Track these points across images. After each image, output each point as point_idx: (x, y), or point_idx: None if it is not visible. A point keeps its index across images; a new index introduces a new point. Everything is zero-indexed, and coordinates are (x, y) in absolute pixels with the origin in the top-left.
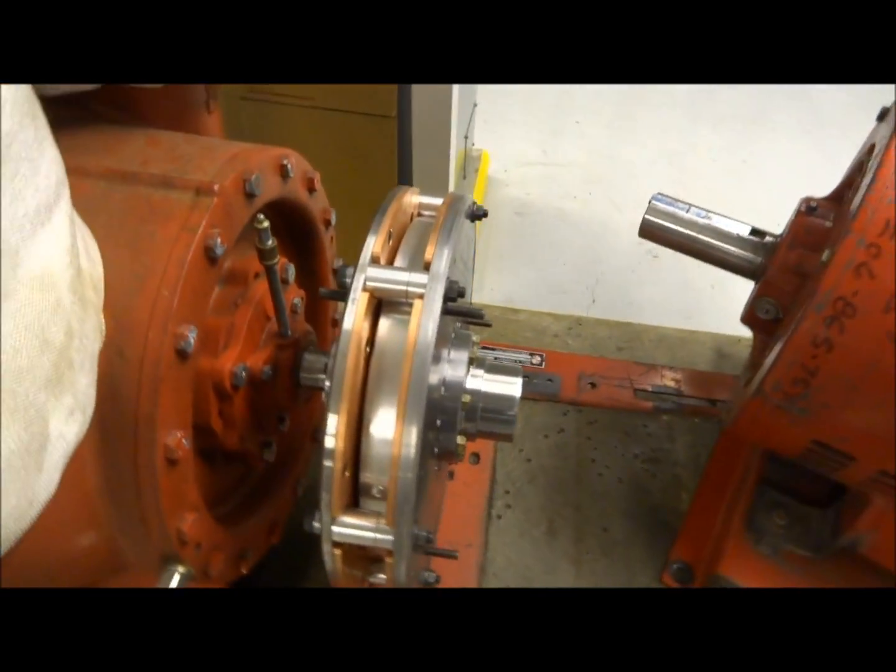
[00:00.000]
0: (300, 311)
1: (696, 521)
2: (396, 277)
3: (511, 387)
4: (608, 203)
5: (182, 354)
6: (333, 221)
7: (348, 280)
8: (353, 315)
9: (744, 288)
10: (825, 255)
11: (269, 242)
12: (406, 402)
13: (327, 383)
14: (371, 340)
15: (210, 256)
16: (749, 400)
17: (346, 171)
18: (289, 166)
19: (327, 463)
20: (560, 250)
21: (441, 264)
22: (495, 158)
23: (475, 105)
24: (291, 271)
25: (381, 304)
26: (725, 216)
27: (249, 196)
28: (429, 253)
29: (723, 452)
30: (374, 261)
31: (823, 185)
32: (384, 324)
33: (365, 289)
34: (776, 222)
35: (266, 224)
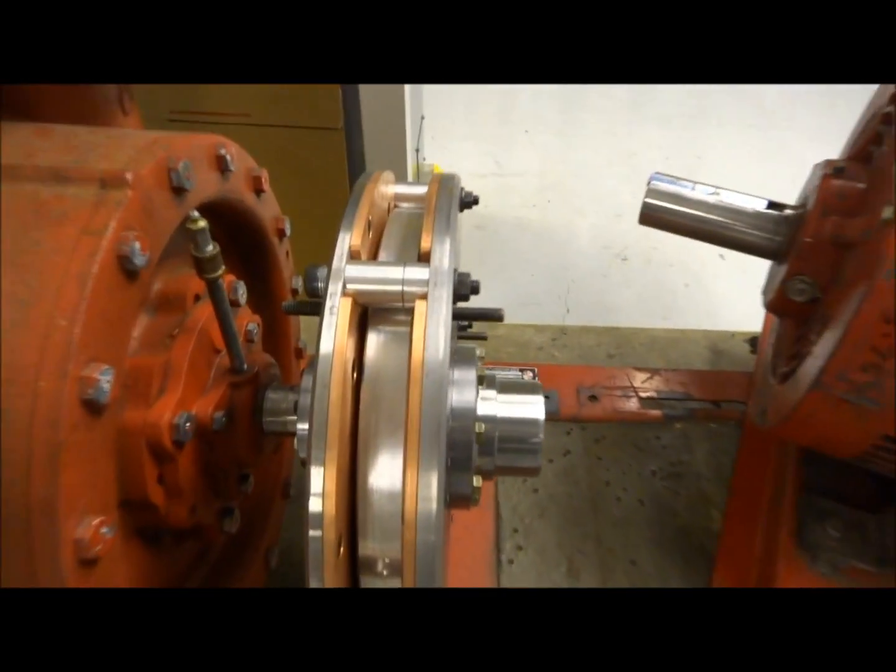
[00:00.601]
0: (257, 339)
1: (732, 542)
2: (387, 275)
3: (532, 407)
4: (568, 208)
5: (93, 407)
6: (288, 232)
7: (320, 284)
8: (333, 329)
9: (719, 284)
10: (887, 213)
11: (209, 248)
12: (419, 441)
13: (301, 426)
14: (358, 364)
15: (127, 269)
16: (804, 395)
17: (292, 191)
18: (228, 158)
19: (314, 533)
20: (526, 261)
21: (444, 255)
22: (446, 170)
23: (422, 118)
24: (242, 290)
25: (366, 315)
26: (736, 191)
27: (178, 191)
28: (425, 241)
29: (748, 460)
30: (354, 256)
31: (781, 173)
32: (374, 339)
33: (345, 293)
34: None
35: (203, 224)
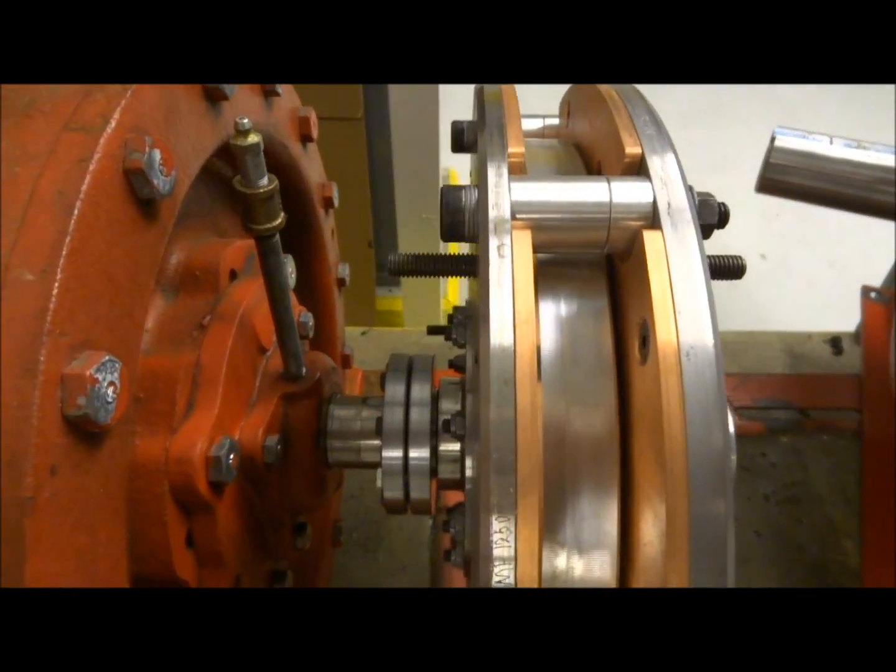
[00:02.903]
0: (310, 333)
1: (879, 581)
2: (582, 195)
3: None
4: None
5: (87, 429)
6: (336, 202)
7: (467, 215)
8: (510, 284)
9: (762, 285)
10: None
11: (264, 181)
12: (688, 483)
13: (391, 454)
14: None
15: (141, 195)
16: None
17: None
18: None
19: None
20: None
21: (668, 164)
22: (464, 177)
23: None
24: (291, 267)
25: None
26: (883, 144)
27: (212, 96)
28: (630, 146)
29: (877, 478)
30: (515, 171)
31: None
32: (552, 309)
33: (516, 225)
34: (776, 213)
35: (256, 138)
